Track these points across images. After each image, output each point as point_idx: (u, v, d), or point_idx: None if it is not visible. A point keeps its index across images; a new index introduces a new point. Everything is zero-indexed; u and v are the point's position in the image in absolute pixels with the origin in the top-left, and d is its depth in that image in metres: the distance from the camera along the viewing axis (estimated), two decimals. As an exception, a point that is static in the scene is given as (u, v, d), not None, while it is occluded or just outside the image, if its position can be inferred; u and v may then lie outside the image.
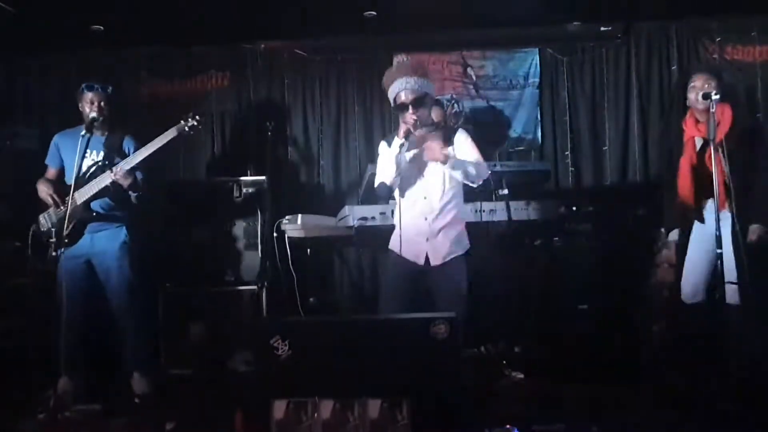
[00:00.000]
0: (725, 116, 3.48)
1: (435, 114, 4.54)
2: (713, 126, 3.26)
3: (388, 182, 3.47)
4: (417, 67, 3.52)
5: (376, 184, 3.56)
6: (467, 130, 3.64)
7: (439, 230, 3.46)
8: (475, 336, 4.30)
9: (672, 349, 3.85)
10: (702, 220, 3.62)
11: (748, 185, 3.39)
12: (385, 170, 3.48)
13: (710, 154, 3.37)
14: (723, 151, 3.29)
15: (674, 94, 4.80)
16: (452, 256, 3.47)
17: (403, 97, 3.42)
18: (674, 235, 3.81)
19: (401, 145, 3.38)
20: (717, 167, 3.28)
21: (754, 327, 3.41)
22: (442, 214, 3.46)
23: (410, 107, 3.40)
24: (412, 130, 3.40)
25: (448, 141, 3.54)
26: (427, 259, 3.46)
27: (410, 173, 3.47)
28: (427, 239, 3.47)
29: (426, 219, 3.46)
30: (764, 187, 3.50)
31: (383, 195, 3.60)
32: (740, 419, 3.06)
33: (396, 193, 3.53)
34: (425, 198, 3.47)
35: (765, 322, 3.43)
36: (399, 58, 3.54)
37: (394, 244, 3.53)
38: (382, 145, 3.60)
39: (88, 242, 3.95)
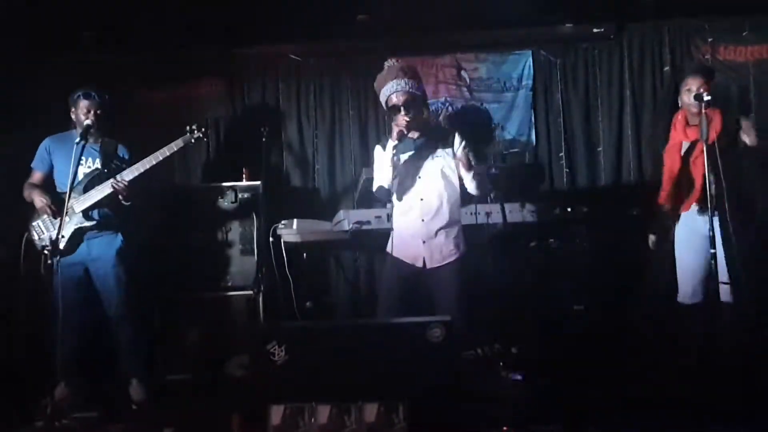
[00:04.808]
0: (716, 120, 3.50)
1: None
2: (705, 127, 3.28)
3: (386, 185, 3.48)
4: (408, 70, 3.53)
5: (374, 188, 3.57)
6: (463, 136, 3.64)
7: (436, 232, 3.47)
8: (471, 338, 4.31)
9: (669, 349, 3.86)
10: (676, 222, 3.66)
11: (737, 187, 3.41)
12: (382, 174, 3.49)
13: (696, 158, 3.38)
14: (715, 154, 3.29)
15: (665, 95, 4.84)
16: (450, 259, 3.48)
17: (395, 99, 3.43)
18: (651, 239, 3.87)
19: (395, 147, 3.39)
20: (708, 169, 3.30)
21: (748, 325, 3.43)
22: (439, 216, 3.47)
23: (402, 109, 3.41)
24: (404, 131, 3.41)
25: (443, 142, 3.56)
26: (424, 261, 3.47)
27: (406, 176, 3.48)
28: (424, 241, 3.48)
29: (423, 221, 3.47)
30: (752, 189, 3.53)
31: (383, 198, 3.62)
32: (738, 419, 3.07)
33: (393, 196, 3.54)
34: (422, 200, 3.48)
35: (759, 320, 3.45)
36: (390, 62, 3.55)
37: (390, 247, 3.54)
38: (378, 149, 3.62)
39: (85, 249, 3.95)
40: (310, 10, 4.60)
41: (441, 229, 3.48)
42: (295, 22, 4.82)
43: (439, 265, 3.48)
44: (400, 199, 3.51)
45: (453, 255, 3.49)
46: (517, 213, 4.32)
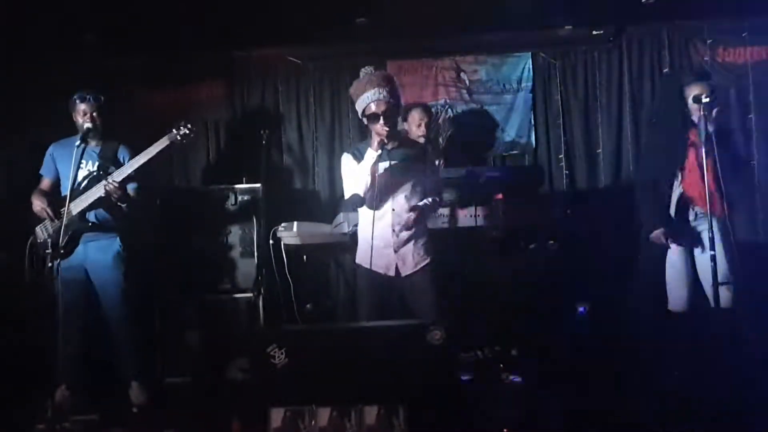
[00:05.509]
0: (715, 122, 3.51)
1: (423, 121, 4.57)
2: (703, 129, 3.30)
3: (362, 193, 3.48)
4: (388, 80, 3.52)
5: (346, 195, 3.57)
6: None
7: (406, 241, 3.52)
8: (471, 340, 4.31)
9: (666, 353, 3.86)
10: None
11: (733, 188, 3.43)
12: (357, 182, 3.48)
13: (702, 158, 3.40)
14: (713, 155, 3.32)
15: (669, 96, 4.83)
16: (422, 264, 3.52)
17: (374, 108, 3.42)
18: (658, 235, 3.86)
19: (379, 156, 3.40)
20: (709, 170, 3.32)
21: (747, 328, 3.43)
22: (408, 225, 3.49)
23: (382, 118, 3.41)
24: (385, 141, 3.42)
25: (417, 155, 3.59)
26: (397, 269, 3.50)
27: (380, 185, 3.47)
28: (395, 250, 3.51)
29: (394, 230, 3.50)
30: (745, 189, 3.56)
31: (355, 206, 3.61)
32: (735, 422, 3.07)
33: (363, 207, 3.54)
34: (393, 210, 3.51)
35: (758, 323, 3.45)
36: (366, 69, 3.56)
37: (362, 258, 3.55)
38: (347, 157, 3.60)
39: (82, 252, 3.95)
40: (310, 13, 4.60)
41: (410, 237, 3.52)
42: (295, 25, 4.82)
43: (412, 271, 3.51)
44: (372, 208, 3.50)
45: (424, 260, 3.54)
46: (516, 215, 4.32)
